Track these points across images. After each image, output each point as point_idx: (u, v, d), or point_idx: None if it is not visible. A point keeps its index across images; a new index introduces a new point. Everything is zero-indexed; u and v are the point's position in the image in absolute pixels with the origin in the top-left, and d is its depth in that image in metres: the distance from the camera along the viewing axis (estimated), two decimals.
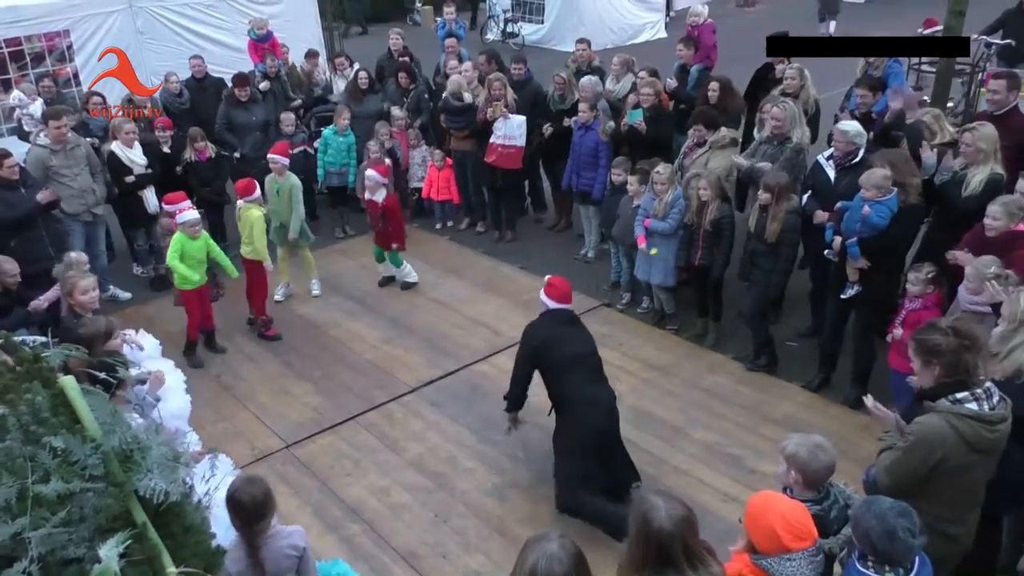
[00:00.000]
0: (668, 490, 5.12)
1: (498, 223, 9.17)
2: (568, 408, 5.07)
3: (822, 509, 3.21)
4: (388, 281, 8.32)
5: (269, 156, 7.71)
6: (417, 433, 6.03)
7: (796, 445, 3.24)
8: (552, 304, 5.22)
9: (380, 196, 7.77)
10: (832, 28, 17.58)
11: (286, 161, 7.73)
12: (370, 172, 7.78)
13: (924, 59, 9.49)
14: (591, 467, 4.99)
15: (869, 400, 3.83)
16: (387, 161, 8.49)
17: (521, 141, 8.41)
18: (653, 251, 6.81)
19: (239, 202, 7.33)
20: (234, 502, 3.38)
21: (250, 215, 7.18)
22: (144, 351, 5.26)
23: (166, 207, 7.22)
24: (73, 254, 6.11)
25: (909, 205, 5.48)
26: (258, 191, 7.34)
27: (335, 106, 9.41)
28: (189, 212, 6.78)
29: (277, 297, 7.94)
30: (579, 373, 5.03)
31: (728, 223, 6.50)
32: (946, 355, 3.34)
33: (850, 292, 5.75)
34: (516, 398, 5.33)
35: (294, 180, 7.71)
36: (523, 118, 8.36)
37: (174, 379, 4.97)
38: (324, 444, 5.97)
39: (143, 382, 4.54)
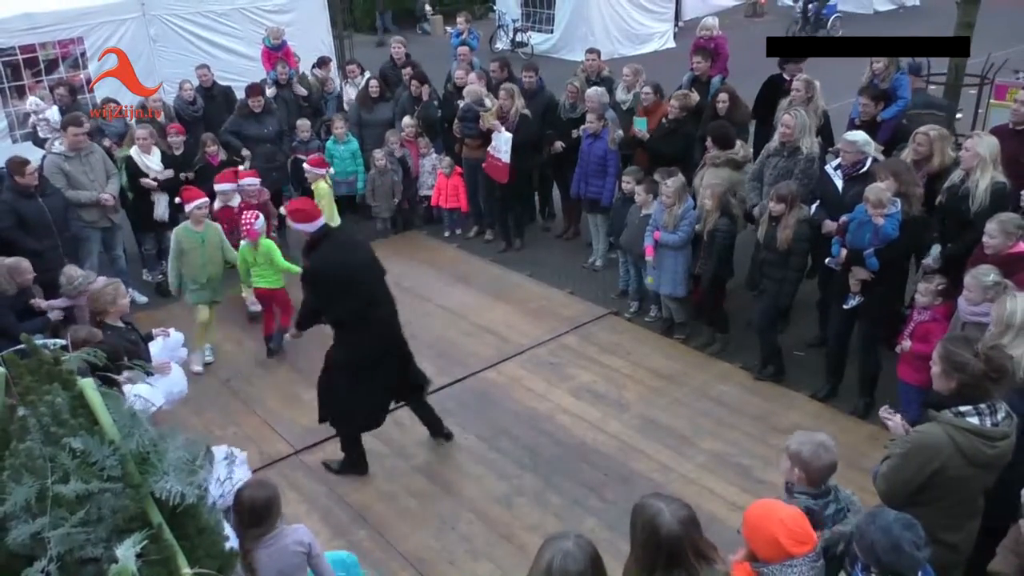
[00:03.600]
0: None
1: (505, 232, 9.21)
2: (352, 326, 5.27)
3: (817, 504, 3.32)
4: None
5: (191, 204, 6.98)
6: (425, 439, 6.05)
7: (799, 444, 3.35)
8: (313, 227, 5.21)
9: (235, 201, 7.61)
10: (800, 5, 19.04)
11: (205, 204, 7.08)
12: (218, 186, 7.61)
13: (932, 70, 9.49)
14: (367, 387, 5.32)
15: (888, 418, 3.79)
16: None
17: (506, 158, 8.36)
18: (649, 279, 6.95)
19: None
20: (235, 502, 3.50)
21: (318, 188, 7.81)
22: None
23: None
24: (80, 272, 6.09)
25: (912, 216, 5.48)
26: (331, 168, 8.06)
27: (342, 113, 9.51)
28: (257, 221, 7.01)
29: (196, 368, 6.79)
30: (368, 292, 5.28)
31: (722, 235, 6.52)
32: (968, 375, 3.35)
33: (852, 302, 5.75)
34: (310, 324, 5.52)
35: (216, 227, 7.12)
36: (509, 135, 8.28)
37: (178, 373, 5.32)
38: (333, 450, 5.99)
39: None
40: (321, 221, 5.27)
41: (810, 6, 19.00)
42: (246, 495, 3.49)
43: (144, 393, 4.24)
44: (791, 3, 20.41)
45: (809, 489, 3.35)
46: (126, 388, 3.86)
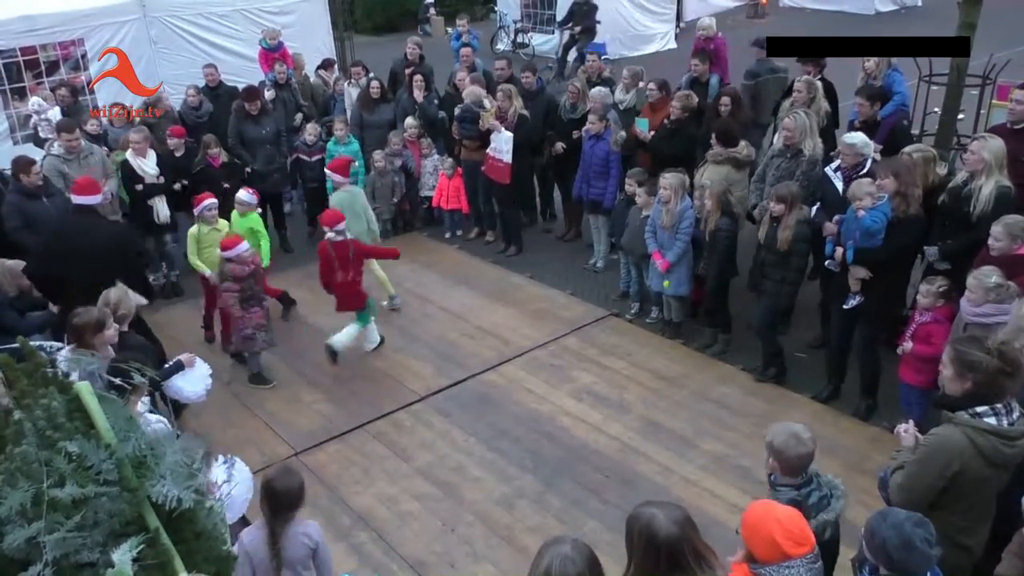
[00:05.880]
0: (677, 501, 5.14)
1: (506, 234, 9.20)
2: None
3: (799, 494, 3.37)
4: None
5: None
6: (426, 442, 6.04)
7: (773, 434, 3.44)
8: (81, 199, 5.96)
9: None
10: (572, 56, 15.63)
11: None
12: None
13: (934, 70, 9.45)
14: None
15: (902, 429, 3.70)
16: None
17: (507, 157, 8.33)
18: (666, 283, 6.83)
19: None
20: (269, 491, 3.59)
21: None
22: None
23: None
24: None
25: (909, 215, 5.45)
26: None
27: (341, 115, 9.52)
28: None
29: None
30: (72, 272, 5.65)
31: (724, 236, 6.50)
32: (982, 374, 3.31)
33: (852, 302, 5.73)
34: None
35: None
36: (510, 135, 8.26)
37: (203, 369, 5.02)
38: (333, 452, 5.99)
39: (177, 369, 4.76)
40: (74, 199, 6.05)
41: (572, 49, 15.71)
42: (280, 483, 3.60)
43: (165, 420, 4.13)
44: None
45: (789, 480, 3.39)
46: (146, 416, 3.76)
